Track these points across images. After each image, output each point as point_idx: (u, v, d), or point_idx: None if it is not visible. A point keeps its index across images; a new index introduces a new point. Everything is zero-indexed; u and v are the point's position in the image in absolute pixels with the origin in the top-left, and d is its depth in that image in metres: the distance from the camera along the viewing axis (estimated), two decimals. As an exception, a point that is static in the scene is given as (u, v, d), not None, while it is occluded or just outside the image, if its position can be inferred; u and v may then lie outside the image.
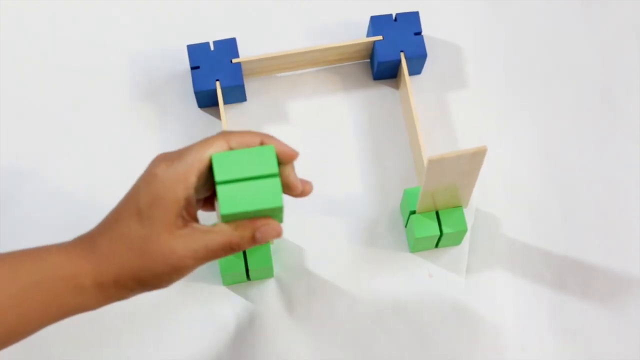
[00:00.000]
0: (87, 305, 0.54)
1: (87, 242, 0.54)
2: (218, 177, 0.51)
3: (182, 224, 0.53)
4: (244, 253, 0.67)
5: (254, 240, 0.55)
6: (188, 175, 0.52)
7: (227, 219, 0.52)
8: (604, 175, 0.74)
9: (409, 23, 0.74)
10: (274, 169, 0.52)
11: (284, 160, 0.55)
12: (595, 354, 0.69)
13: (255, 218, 0.53)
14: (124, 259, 0.53)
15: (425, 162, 0.60)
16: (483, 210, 0.73)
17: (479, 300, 0.70)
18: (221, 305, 0.70)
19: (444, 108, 0.76)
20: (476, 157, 0.59)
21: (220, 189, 0.51)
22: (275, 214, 0.53)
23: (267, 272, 0.69)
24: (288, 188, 0.56)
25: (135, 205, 0.53)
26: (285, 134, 0.74)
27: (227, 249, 0.54)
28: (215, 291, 0.71)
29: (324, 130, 0.76)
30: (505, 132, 0.76)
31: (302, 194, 0.57)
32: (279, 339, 0.69)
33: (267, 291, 0.71)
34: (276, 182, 0.52)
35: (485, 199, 0.73)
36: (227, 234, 0.53)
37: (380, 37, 0.74)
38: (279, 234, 0.55)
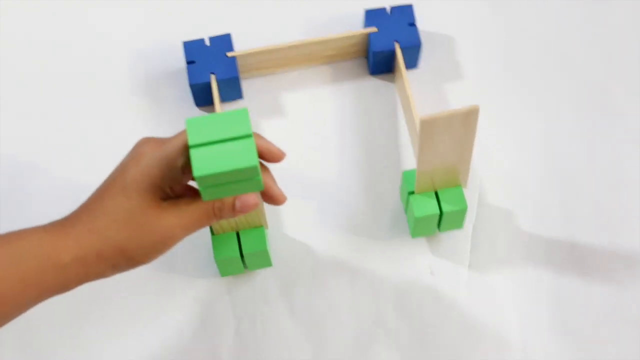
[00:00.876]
0: (67, 282, 0.53)
1: (68, 220, 0.54)
2: (191, 140, 0.51)
3: (167, 198, 0.55)
4: (238, 238, 0.66)
5: (234, 207, 0.56)
6: (174, 154, 0.54)
7: (202, 182, 0.51)
8: (605, 174, 0.73)
9: (403, 15, 0.75)
10: (248, 130, 0.51)
11: (272, 159, 0.57)
12: (596, 354, 0.67)
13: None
14: (109, 232, 0.53)
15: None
16: (483, 210, 0.72)
17: (479, 300, 0.69)
18: (220, 301, 0.69)
19: (442, 101, 0.76)
20: (469, 117, 0.58)
21: (193, 152, 0.51)
22: (252, 175, 0.52)
23: (264, 259, 0.67)
24: (271, 199, 0.58)
25: (122, 181, 0.54)
26: (283, 131, 0.75)
27: (211, 215, 0.55)
28: (214, 286, 0.69)
29: (322, 126, 0.75)
30: (505, 126, 0.75)
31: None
32: (279, 337, 0.68)
33: (266, 286, 0.69)
34: (250, 142, 0.51)
35: (485, 198, 0.72)
36: (210, 201, 0.55)
37: (374, 29, 0.74)
38: (256, 204, 0.56)
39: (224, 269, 0.68)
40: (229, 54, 0.73)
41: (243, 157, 0.51)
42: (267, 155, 0.57)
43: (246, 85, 0.77)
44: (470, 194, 0.71)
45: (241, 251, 0.66)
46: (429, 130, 0.58)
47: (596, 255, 0.70)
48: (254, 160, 0.51)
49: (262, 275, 0.70)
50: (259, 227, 0.66)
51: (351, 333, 0.68)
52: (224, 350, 0.67)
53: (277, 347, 0.67)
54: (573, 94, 0.77)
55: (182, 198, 0.56)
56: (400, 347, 0.67)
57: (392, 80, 0.77)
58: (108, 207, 0.53)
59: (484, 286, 0.69)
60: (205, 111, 0.76)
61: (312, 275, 0.70)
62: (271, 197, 0.59)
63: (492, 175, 0.73)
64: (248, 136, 0.51)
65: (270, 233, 0.71)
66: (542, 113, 0.76)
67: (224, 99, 0.75)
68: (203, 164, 0.51)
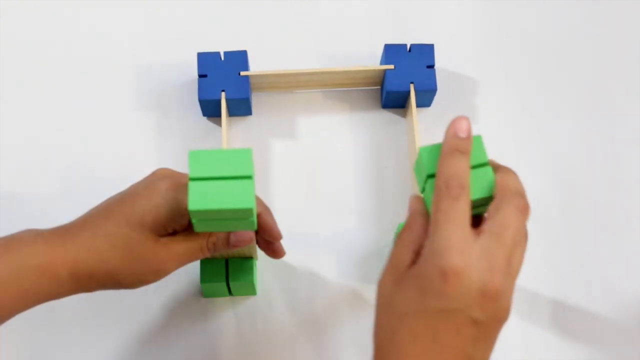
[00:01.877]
0: (59, 294, 0.55)
1: (68, 232, 0.55)
2: (192, 173, 0.51)
3: (165, 235, 0.56)
4: (227, 265, 0.66)
5: (228, 242, 0.58)
6: (185, 200, 0.54)
7: (196, 215, 0.52)
8: (605, 174, 0.75)
9: (423, 55, 0.73)
10: (249, 171, 0.51)
11: (268, 237, 0.61)
12: (596, 354, 0.69)
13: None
14: (104, 255, 0.54)
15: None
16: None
17: None
18: (220, 301, 0.69)
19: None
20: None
21: (192, 185, 0.51)
22: (246, 216, 0.52)
23: (249, 289, 0.68)
24: (273, 253, 0.63)
25: (130, 209, 0.55)
26: (288, 152, 0.74)
27: (205, 250, 0.57)
28: (195, 305, 0.70)
29: (327, 152, 0.75)
30: (505, 127, 0.76)
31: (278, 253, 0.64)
32: (279, 336, 0.69)
33: (267, 286, 0.70)
34: (249, 184, 0.51)
35: None
36: (205, 234, 0.57)
37: (391, 66, 0.73)
38: (251, 240, 0.58)
39: (208, 292, 0.69)
40: (243, 73, 0.72)
41: (240, 197, 0.51)
42: (266, 231, 0.60)
43: (256, 99, 0.76)
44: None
45: (227, 279, 0.66)
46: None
47: (596, 255, 0.72)
48: (251, 203, 0.51)
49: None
50: (249, 257, 0.66)
51: (352, 333, 0.69)
52: (224, 350, 0.68)
53: (277, 347, 0.68)
54: (572, 94, 0.78)
55: (179, 234, 0.57)
56: None
57: (404, 115, 0.76)
58: (110, 231, 0.55)
59: None
60: (212, 122, 0.75)
61: (300, 310, 0.70)
62: (274, 251, 0.63)
63: None
64: (248, 177, 0.52)
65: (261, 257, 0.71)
66: (541, 112, 0.77)
67: (232, 113, 0.75)
68: (199, 198, 0.51)
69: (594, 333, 0.69)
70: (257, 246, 0.67)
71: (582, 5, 0.81)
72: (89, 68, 0.77)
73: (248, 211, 0.52)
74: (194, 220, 0.53)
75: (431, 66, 0.73)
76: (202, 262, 0.66)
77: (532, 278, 0.71)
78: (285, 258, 0.71)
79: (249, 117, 0.76)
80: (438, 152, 0.52)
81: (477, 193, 0.50)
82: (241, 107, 0.74)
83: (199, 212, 0.51)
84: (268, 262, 0.70)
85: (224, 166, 0.52)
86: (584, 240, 0.72)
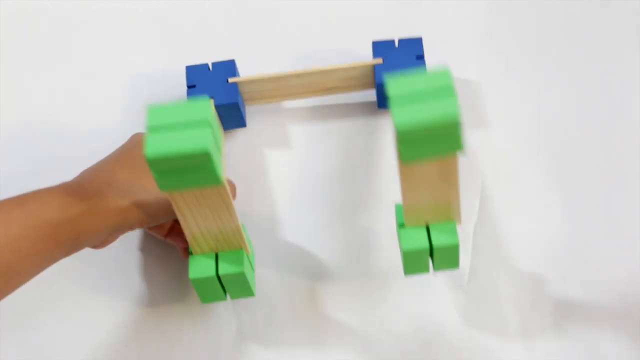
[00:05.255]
0: (78, 236, 0.57)
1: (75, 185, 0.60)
2: (150, 122, 0.51)
3: None
4: (217, 261, 0.63)
5: None
6: None
7: (154, 166, 0.51)
8: (607, 174, 0.72)
9: (412, 48, 0.72)
10: (207, 118, 0.51)
11: None
12: (597, 354, 0.67)
13: None
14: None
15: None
16: (484, 209, 0.71)
17: (480, 301, 0.69)
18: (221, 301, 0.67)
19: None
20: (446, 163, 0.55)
21: (149, 136, 0.51)
22: (205, 164, 0.51)
23: (244, 286, 0.64)
24: None
25: (131, 159, 0.61)
26: (285, 162, 0.74)
27: None
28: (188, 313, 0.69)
29: (324, 160, 0.74)
30: (506, 126, 0.75)
31: None
32: (280, 337, 0.68)
33: (268, 286, 0.69)
34: (207, 130, 0.51)
35: (486, 197, 0.71)
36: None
37: (379, 60, 0.72)
38: None
39: (203, 292, 0.65)
40: (230, 80, 0.72)
41: (197, 142, 0.51)
42: None
43: (250, 112, 0.76)
44: (471, 193, 0.71)
45: (219, 275, 0.63)
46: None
47: (597, 254, 0.70)
48: (206, 147, 0.50)
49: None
50: (239, 249, 0.63)
51: (352, 332, 0.67)
52: (224, 350, 0.67)
53: (277, 347, 0.67)
54: (572, 93, 0.76)
55: None
56: (401, 346, 0.67)
57: (400, 116, 0.75)
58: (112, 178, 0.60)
59: (484, 286, 0.69)
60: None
61: (300, 305, 0.68)
62: None
63: (493, 174, 0.72)
64: (206, 124, 0.51)
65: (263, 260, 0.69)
66: (543, 112, 0.75)
67: (227, 127, 0.74)
68: (156, 146, 0.51)
69: (595, 333, 0.67)
70: (248, 240, 0.65)
71: (582, 4, 0.80)
72: (79, 80, 0.78)
73: (205, 156, 0.51)
74: (155, 175, 0.52)
75: (421, 56, 0.72)
76: (191, 258, 0.63)
77: (533, 278, 0.69)
78: (285, 262, 0.70)
79: (243, 130, 0.75)
80: None
81: None
82: (233, 118, 0.73)
83: (156, 161, 0.51)
84: (268, 262, 0.69)
85: (182, 116, 0.52)
86: (585, 239, 0.70)
